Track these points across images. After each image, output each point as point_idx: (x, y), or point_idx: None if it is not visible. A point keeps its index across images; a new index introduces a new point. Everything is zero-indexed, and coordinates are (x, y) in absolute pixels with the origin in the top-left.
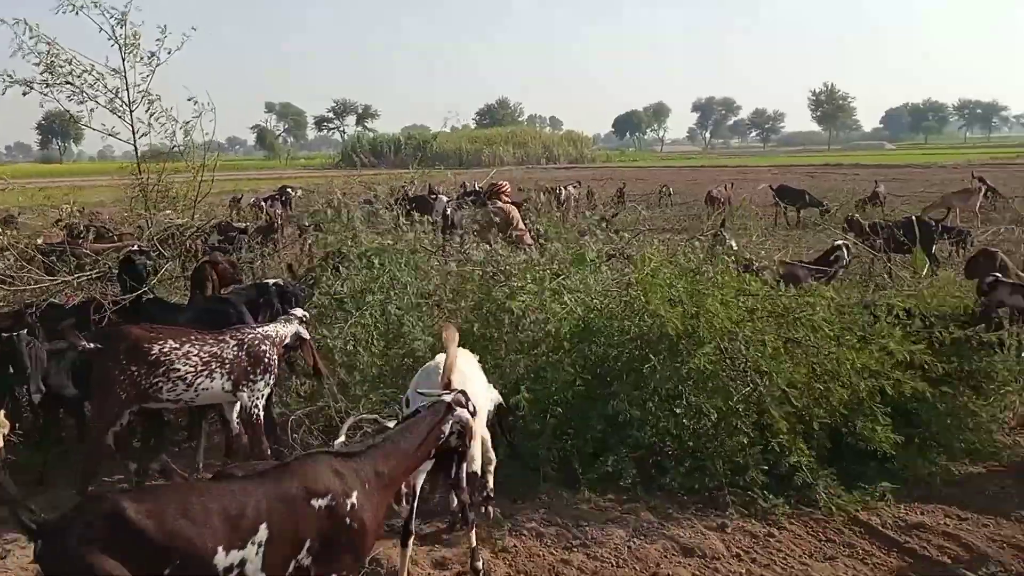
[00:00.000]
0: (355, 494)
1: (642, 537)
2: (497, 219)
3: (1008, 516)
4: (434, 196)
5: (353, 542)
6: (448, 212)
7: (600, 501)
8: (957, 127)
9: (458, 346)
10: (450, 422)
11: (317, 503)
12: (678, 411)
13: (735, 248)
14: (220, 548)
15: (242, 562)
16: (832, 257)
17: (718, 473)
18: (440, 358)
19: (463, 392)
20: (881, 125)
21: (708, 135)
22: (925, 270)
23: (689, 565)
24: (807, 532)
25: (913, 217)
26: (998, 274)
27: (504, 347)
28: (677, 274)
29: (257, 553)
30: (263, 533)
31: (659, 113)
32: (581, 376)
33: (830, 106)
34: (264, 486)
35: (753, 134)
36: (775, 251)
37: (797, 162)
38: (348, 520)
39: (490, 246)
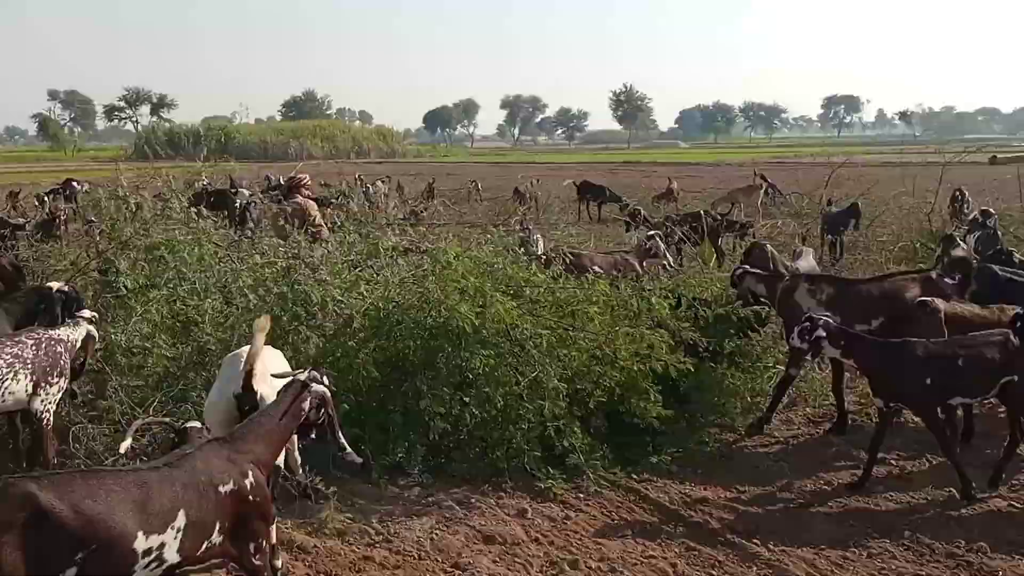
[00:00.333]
0: (250, 472)
1: (444, 527)
2: (289, 210)
3: (778, 487)
4: (235, 190)
5: (261, 512)
6: (244, 206)
7: (403, 493)
8: (743, 128)
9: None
10: (308, 398)
11: (223, 489)
12: (468, 399)
13: (541, 244)
14: (140, 532)
15: (161, 545)
16: (648, 246)
17: (501, 457)
18: (245, 349)
19: (316, 368)
20: (676, 125)
21: (517, 132)
22: (713, 261)
23: (490, 552)
24: (601, 513)
25: (701, 211)
26: (747, 266)
27: (302, 336)
28: (471, 267)
29: (175, 537)
30: (181, 519)
31: (469, 109)
32: (378, 365)
33: (630, 106)
34: (174, 475)
35: (559, 132)
36: (581, 244)
37: (600, 159)
38: (251, 497)
39: (285, 240)
